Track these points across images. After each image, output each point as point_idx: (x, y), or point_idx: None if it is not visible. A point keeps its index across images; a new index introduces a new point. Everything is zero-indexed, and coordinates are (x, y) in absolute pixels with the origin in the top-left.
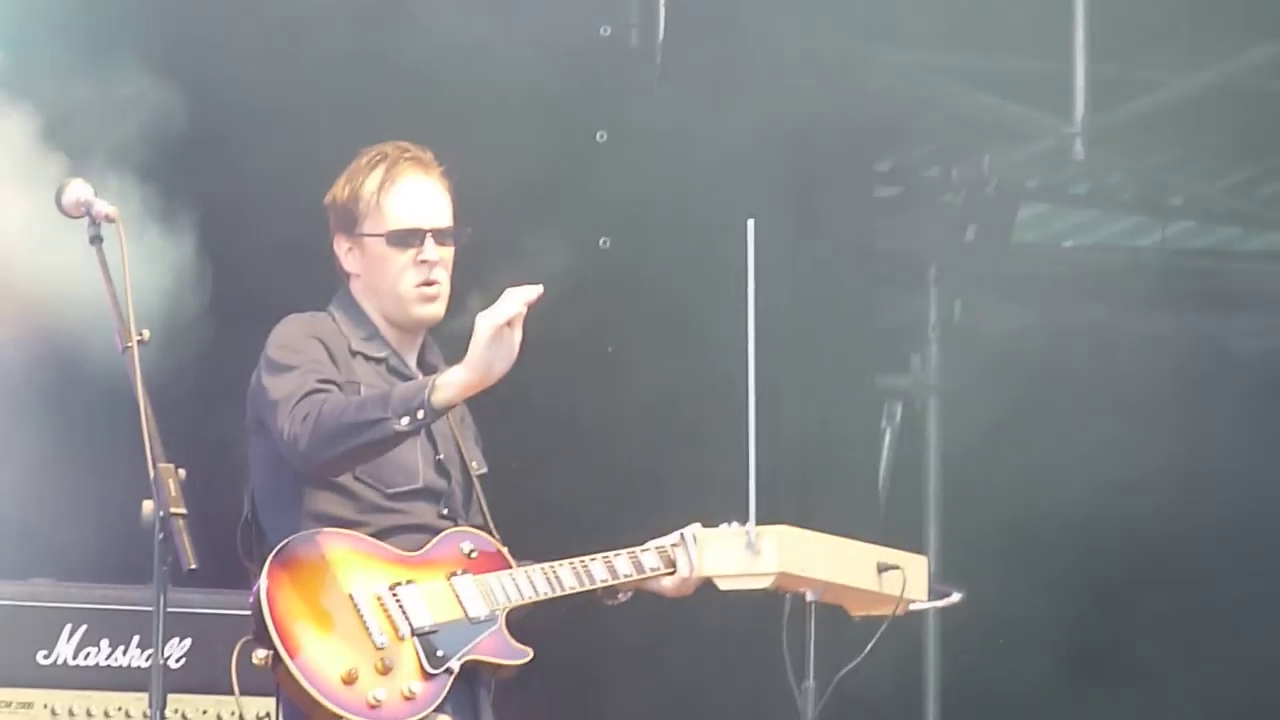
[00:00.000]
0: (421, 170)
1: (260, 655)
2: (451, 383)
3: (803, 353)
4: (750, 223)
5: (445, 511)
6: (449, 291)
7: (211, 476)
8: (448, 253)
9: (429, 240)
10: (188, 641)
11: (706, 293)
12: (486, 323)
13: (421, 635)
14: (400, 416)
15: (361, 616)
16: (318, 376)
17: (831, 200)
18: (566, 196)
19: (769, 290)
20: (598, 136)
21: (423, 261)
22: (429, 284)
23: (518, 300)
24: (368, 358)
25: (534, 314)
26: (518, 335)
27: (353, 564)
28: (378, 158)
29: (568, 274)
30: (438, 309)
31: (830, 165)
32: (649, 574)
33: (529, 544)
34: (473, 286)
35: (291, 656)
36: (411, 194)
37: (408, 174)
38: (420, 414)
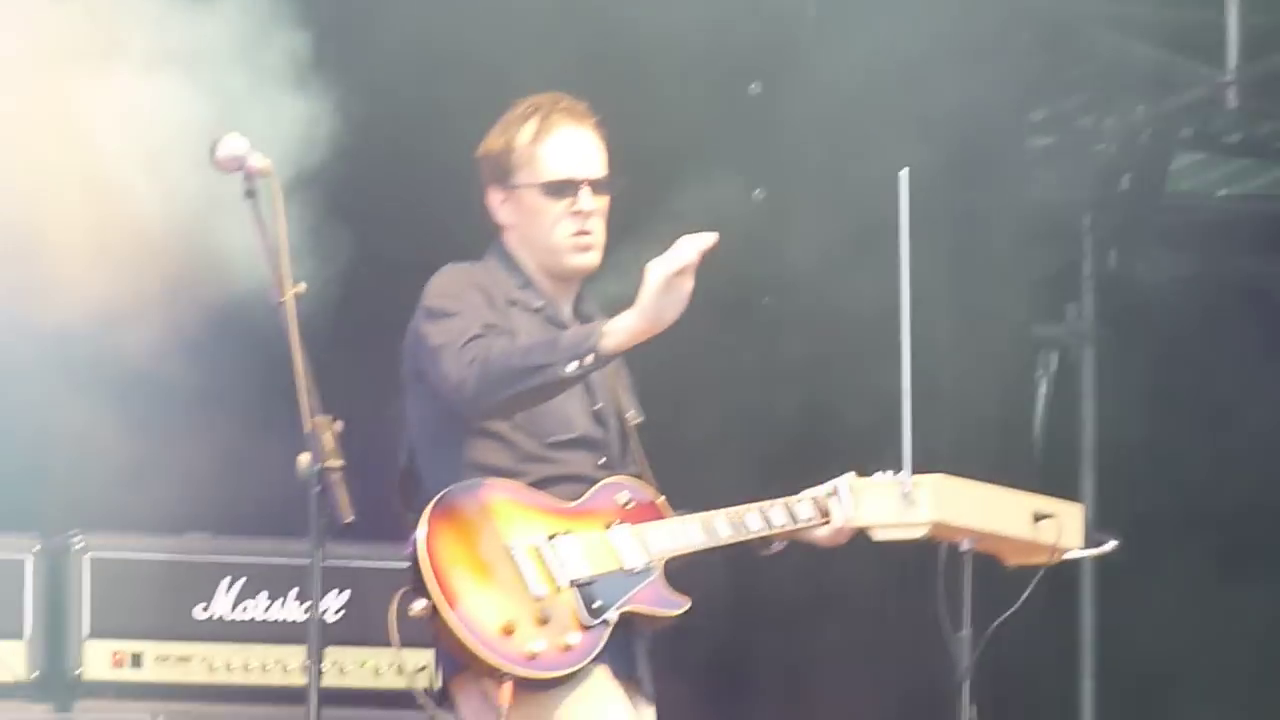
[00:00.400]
0: (575, 120)
1: (418, 606)
2: (621, 329)
3: (958, 304)
4: (903, 173)
5: (602, 461)
6: (603, 241)
7: (368, 429)
8: (602, 203)
9: (584, 190)
10: (345, 594)
11: (861, 245)
12: (659, 270)
13: (579, 586)
14: (568, 362)
15: (519, 567)
16: (482, 322)
17: (986, 151)
18: (720, 149)
19: (923, 242)
20: (751, 88)
21: (578, 212)
22: (584, 234)
23: (691, 248)
24: (525, 307)
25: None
26: (689, 284)
27: (510, 514)
28: (531, 109)
29: (722, 226)
30: (593, 258)
31: (984, 116)
32: (803, 524)
33: (685, 494)
34: (627, 239)
35: (450, 607)
36: (566, 144)
37: (562, 124)
38: (589, 359)
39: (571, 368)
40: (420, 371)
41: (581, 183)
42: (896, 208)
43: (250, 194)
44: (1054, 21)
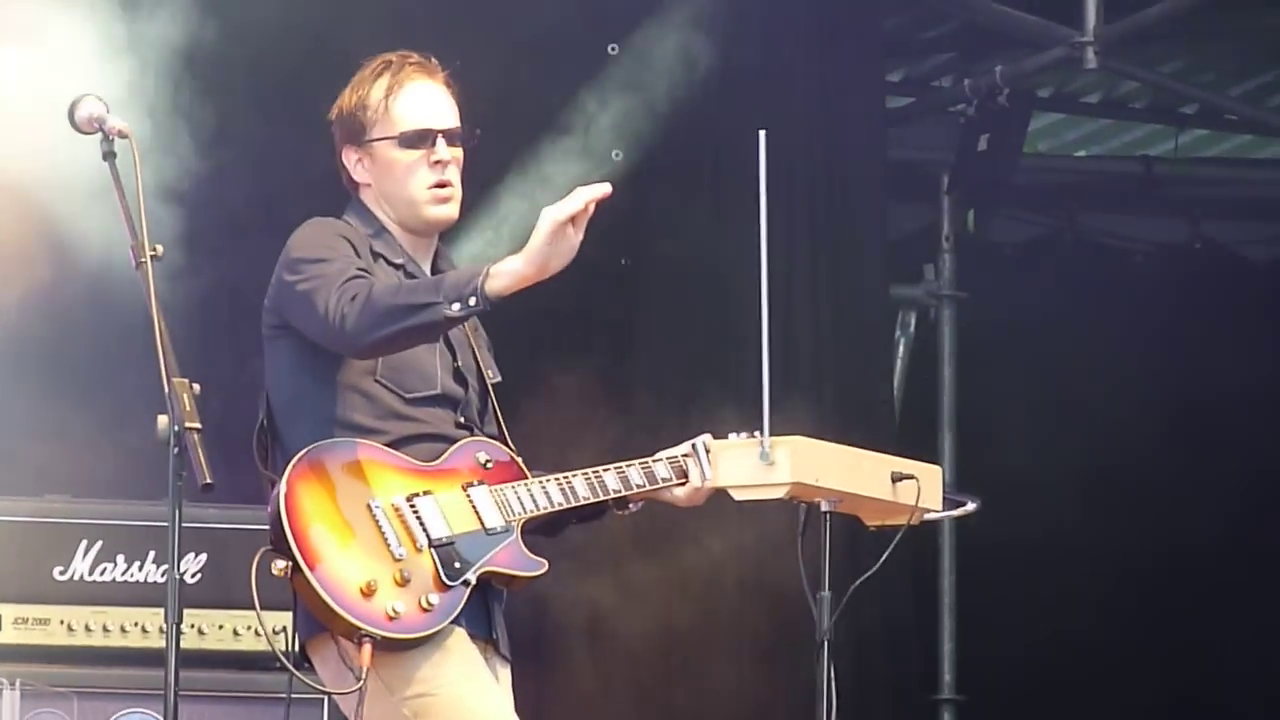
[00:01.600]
0: (427, 75)
1: (280, 566)
2: (506, 271)
3: (816, 264)
4: (762, 134)
5: (462, 420)
6: (460, 195)
7: (227, 392)
8: (458, 154)
9: (440, 141)
10: (203, 557)
11: (719, 205)
12: (550, 216)
13: (439, 546)
14: (452, 302)
15: (380, 527)
16: (356, 265)
17: (843, 111)
18: (579, 109)
19: (781, 201)
20: (609, 49)
21: (436, 162)
22: (442, 185)
23: (583, 197)
24: (387, 262)
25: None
26: (578, 235)
27: (371, 474)
28: (382, 66)
29: (580, 185)
30: (451, 210)
31: (842, 76)
32: (661, 484)
33: (541, 458)
34: (484, 200)
35: (310, 567)
36: (420, 97)
37: (414, 78)
38: (472, 301)
39: (455, 308)
40: (283, 324)
41: (438, 133)
42: (756, 168)
43: (108, 155)
44: None
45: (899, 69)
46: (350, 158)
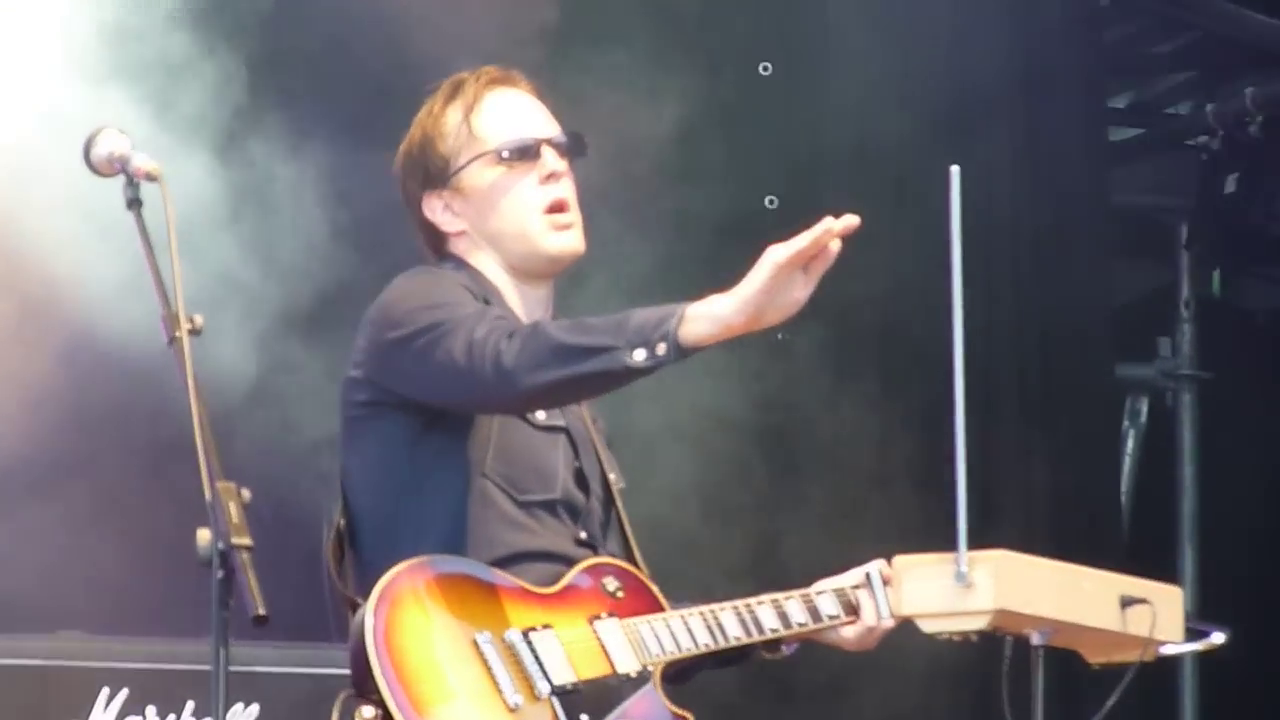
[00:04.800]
0: (511, 84)
1: (368, 716)
2: (708, 316)
3: (1023, 336)
4: (953, 170)
5: (583, 535)
6: (581, 221)
7: (285, 498)
8: (566, 170)
9: (546, 151)
10: (254, 708)
11: (898, 258)
12: (773, 256)
13: (562, 694)
14: (635, 348)
15: (490, 668)
16: (495, 313)
17: (1055, 144)
18: (726, 140)
19: (978, 256)
20: (761, 69)
21: (547, 177)
22: (558, 208)
23: (821, 234)
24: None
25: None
26: (810, 284)
27: (477, 600)
28: (450, 87)
29: (728, 234)
30: (574, 239)
31: (1052, 101)
32: (826, 623)
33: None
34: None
35: (410, 718)
36: (509, 105)
37: (495, 89)
38: (661, 349)
39: (639, 356)
40: (378, 398)
41: (541, 142)
42: (948, 214)
43: (133, 203)
44: None
45: (1124, 92)
46: (434, 206)
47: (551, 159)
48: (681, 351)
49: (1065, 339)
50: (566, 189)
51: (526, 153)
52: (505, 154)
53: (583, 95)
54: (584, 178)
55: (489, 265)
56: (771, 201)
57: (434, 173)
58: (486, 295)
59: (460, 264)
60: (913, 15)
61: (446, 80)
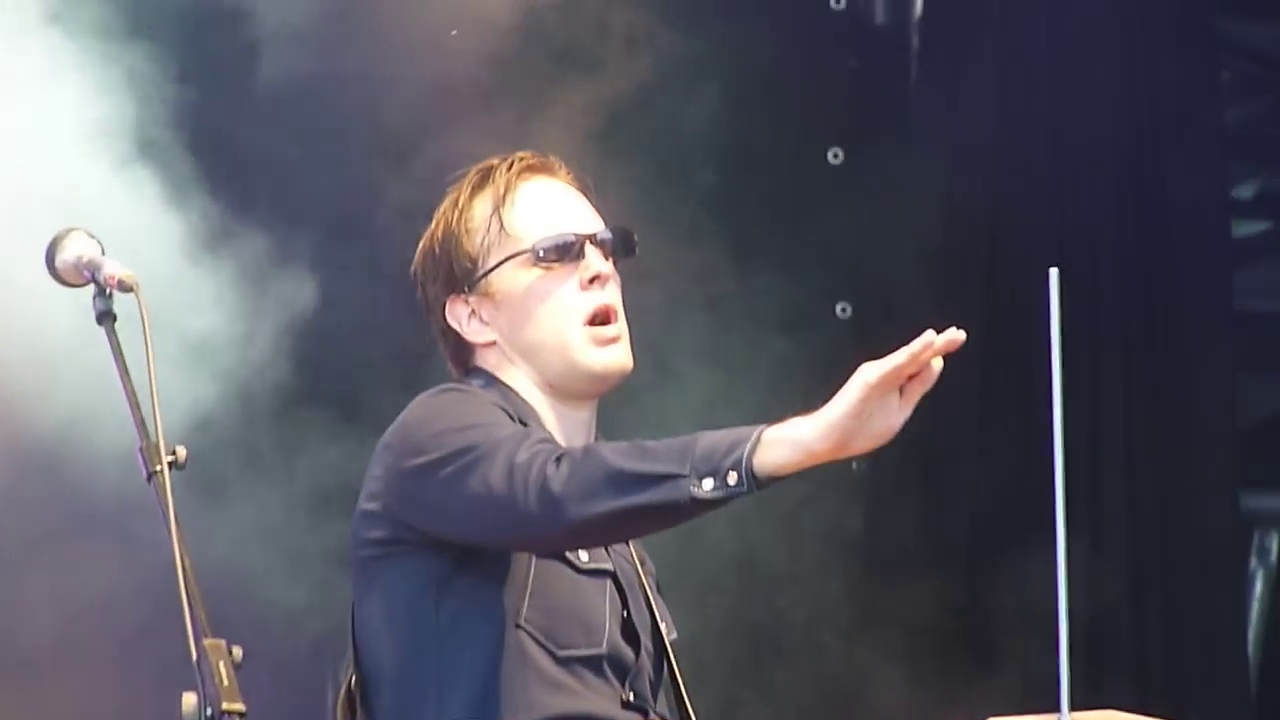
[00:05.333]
0: (548, 174)
1: None
2: (788, 440)
3: (1132, 460)
4: (1053, 273)
5: (631, 697)
6: (628, 334)
7: (279, 658)
8: (612, 269)
9: (590, 250)
10: None
11: (989, 369)
12: (864, 376)
13: None
14: (703, 477)
15: None
16: (539, 435)
17: (1167, 240)
18: (794, 236)
19: (1082, 367)
20: (831, 156)
21: (592, 280)
22: (601, 318)
23: (921, 350)
24: None
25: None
26: (906, 408)
27: None
28: (480, 176)
29: (796, 341)
30: (618, 356)
31: (1164, 188)
32: None
33: None
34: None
35: None
36: (545, 197)
37: (530, 178)
38: (733, 479)
39: (707, 487)
40: (396, 536)
41: (583, 239)
42: (1046, 322)
43: (104, 316)
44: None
45: (1249, 180)
46: (459, 313)
47: (596, 260)
48: (757, 482)
49: (1183, 464)
50: (612, 295)
51: (567, 252)
52: (542, 253)
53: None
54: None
55: (523, 382)
56: (844, 310)
57: (460, 274)
58: (522, 416)
59: (491, 380)
60: (1008, 96)
61: (475, 168)
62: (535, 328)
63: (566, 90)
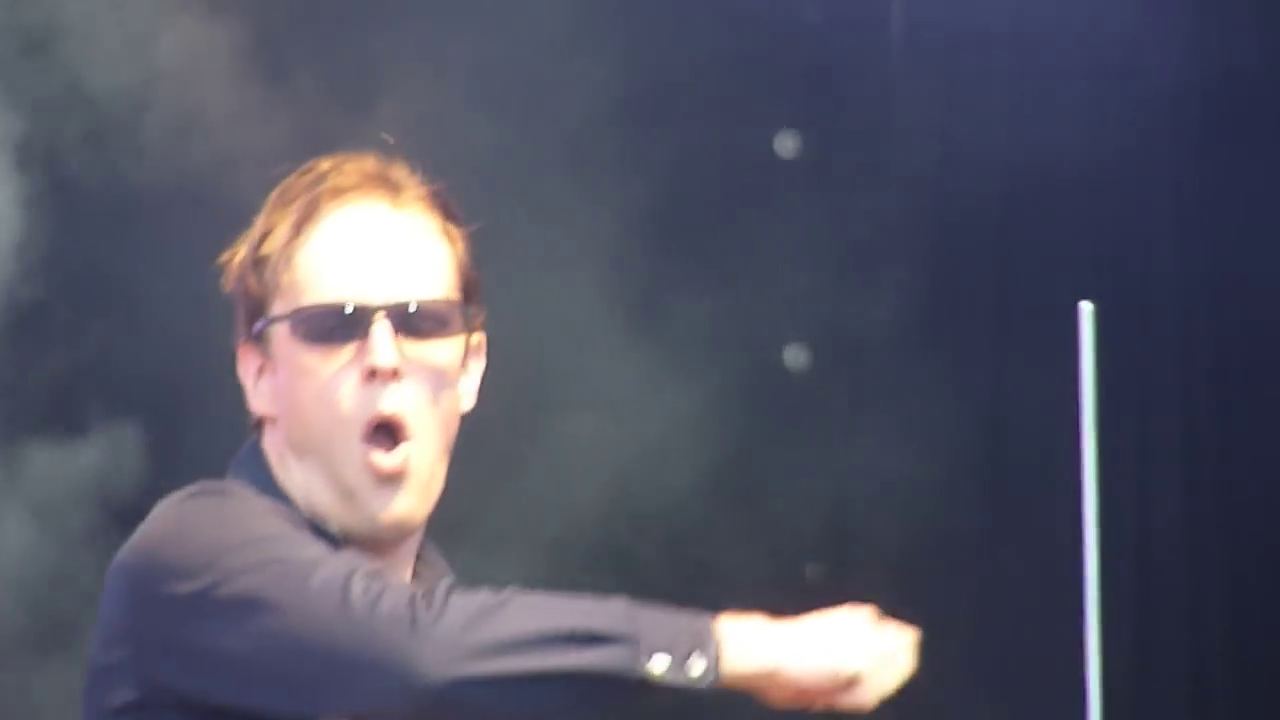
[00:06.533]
0: (379, 194)
1: None
2: (758, 644)
3: (1200, 556)
4: (1084, 308)
5: None
6: (433, 456)
7: None
8: (428, 356)
9: (378, 329)
10: None
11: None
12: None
13: None
14: (655, 652)
15: None
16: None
17: (1220, 272)
18: (732, 252)
19: (1118, 412)
20: (779, 146)
21: (369, 375)
22: (383, 434)
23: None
24: None
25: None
26: (907, 656)
27: None
28: (309, 179)
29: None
30: (399, 505)
31: (1234, 220)
32: None
33: None
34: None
35: None
36: (341, 239)
37: (346, 202)
38: (698, 668)
39: (659, 664)
40: (156, 686)
41: (375, 311)
42: (1075, 360)
43: None
44: None
45: None
46: (247, 366)
47: (381, 344)
48: (718, 677)
49: (1263, 558)
50: (406, 397)
51: (342, 330)
52: (310, 328)
53: None
54: None
55: (306, 491)
56: (796, 356)
57: (249, 309)
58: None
59: (266, 480)
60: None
61: (315, 163)
62: (304, 428)
63: None
